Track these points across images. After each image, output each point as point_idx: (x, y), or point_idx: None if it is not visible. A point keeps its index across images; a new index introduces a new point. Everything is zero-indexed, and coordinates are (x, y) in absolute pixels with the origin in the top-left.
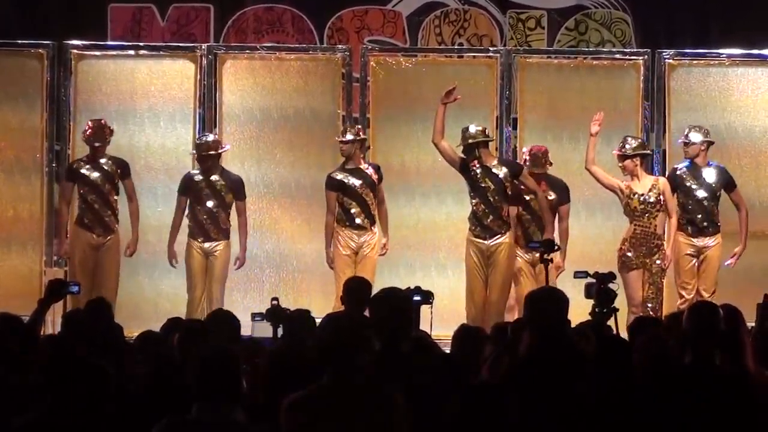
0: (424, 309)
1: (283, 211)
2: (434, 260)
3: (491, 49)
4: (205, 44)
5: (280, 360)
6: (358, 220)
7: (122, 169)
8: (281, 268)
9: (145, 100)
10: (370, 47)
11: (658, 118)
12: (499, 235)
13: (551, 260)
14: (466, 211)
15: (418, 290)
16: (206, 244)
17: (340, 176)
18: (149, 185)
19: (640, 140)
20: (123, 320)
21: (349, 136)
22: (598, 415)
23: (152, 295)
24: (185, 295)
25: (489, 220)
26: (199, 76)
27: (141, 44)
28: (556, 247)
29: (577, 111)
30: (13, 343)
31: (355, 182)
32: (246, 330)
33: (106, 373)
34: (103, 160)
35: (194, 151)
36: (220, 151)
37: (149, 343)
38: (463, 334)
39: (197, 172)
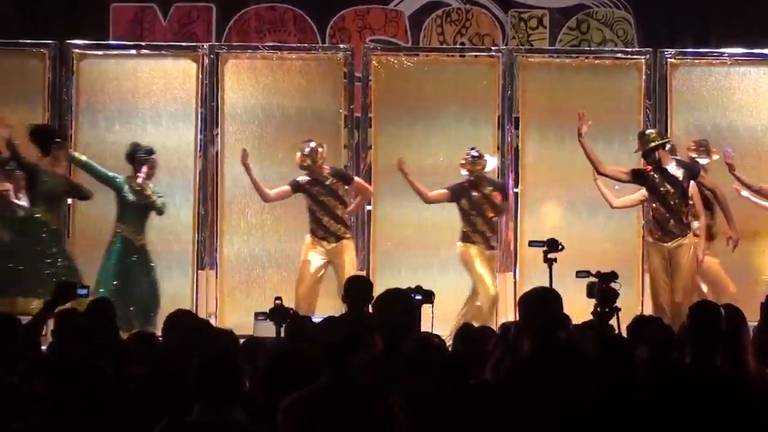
0: (426, 309)
1: (285, 210)
2: (436, 260)
3: (493, 48)
4: (207, 44)
5: (280, 360)
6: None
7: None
8: (283, 268)
9: (147, 100)
10: (372, 47)
11: (660, 117)
12: (679, 237)
13: (555, 260)
14: None
15: (419, 290)
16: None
17: None
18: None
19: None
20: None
21: None
22: (599, 415)
23: None
24: (187, 293)
25: (670, 224)
26: (201, 76)
27: (143, 44)
28: (560, 247)
29: (579, 110)
30: (13, 344)
31: None
32: (249, 329)
33: (105, 374)
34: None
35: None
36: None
37: (144, 343)
38: (464, 333)
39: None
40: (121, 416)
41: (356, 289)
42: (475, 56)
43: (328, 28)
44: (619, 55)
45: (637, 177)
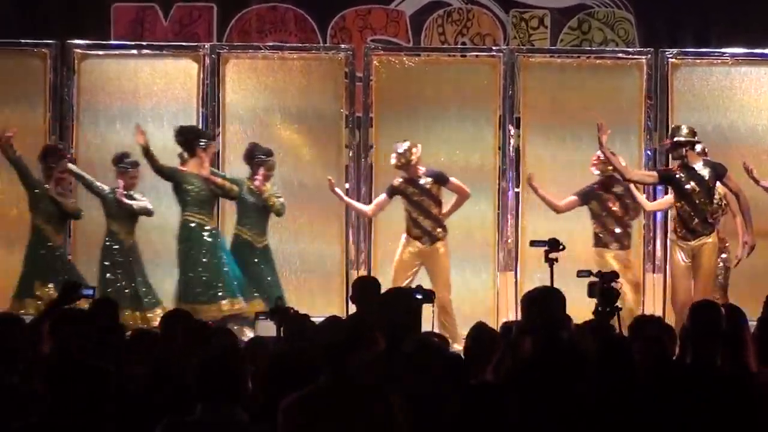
0: (427, 309)
1: (286, 210)
2: None
3: (494, 48)
4: (208, 44)
5: (280, 360)
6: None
7: None
8: (284, 268)
9: (148, 100)
10: (373, 47)
11: (661, 117)
12: (703, 236)
13: (556, 260)
14: (468, 210)
15: (419, 289)
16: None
17: None
18: (152, 184)
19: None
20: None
21: None
22: (599, 415)
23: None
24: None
25: (695, 223)
26: (202, 76)
27: (144, 44)
28: (561, 247)
29: (580, 110)
30: (15, 344)
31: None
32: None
33: (105, 374)
34: None
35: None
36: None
37: (144, 342)
38: (476, 332)
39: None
40: (121, 416)
41: (364, 289)
42: (476, 56)
43: (329, 28)
44: (620, 55)
45: (664, 177)
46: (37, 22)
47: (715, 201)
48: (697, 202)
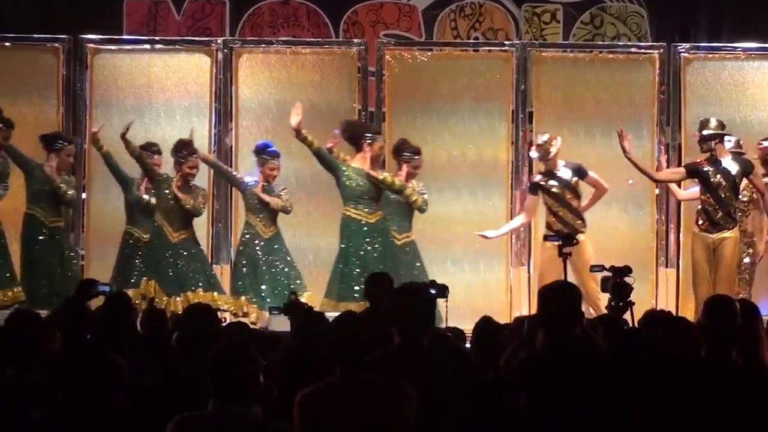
0: (440, 304)
1: (300, 205)
2: (450, 254)
3: (506, 43)
4: (221, 38)
5: (294, 355)
6: None
7: None
8: (297, 262)
9: (161, 95)
10: (385, 41)
11: (674, 111)
12: (725, 230)
13: (570, 254)
14: (480, 205)
15: (433, 284)
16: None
17: None
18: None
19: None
20: None
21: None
22: (611, 409)
23: None
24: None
25: (718, 216)
26: (214, 71)
27: (156, 38)
28: (574, 241)
29: (593, 105)
30: (33, 340)
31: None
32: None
33: (120, 368)
34: None
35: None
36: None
37: (158, 337)
38: (482, 326)
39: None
40: (135, 411)
41: (377, 285)
42: (489, 51)
43: (341, 23)
44: (632, 49)
45: (691, 171)
46: (49, 17)
47: (742, 196)
48: (723, 196)
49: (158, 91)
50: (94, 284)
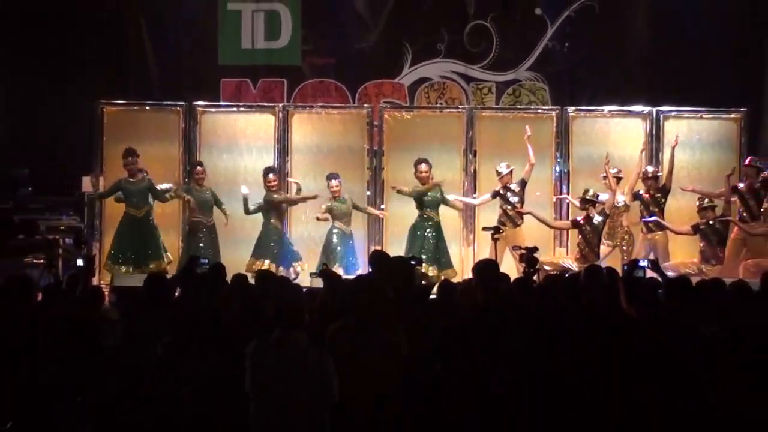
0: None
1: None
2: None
3: (460, 107)
4: (281, 104)
5: (326, 303)
6: None
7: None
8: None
9: (243, 139)
10: (384, 105)
11: (565, 150)
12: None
13: (498, 239)
14: (444, 210)
15: (413, 258)
16: None
17: None
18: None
19: None
20: None
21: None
22: (531, 345)
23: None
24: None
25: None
26: (277, 124)
27: (241, 104)
28: (501, 230)
29: (515, 146)
30: (165, 294)
31: None
32: (306, 283)
33: (216, 311)
34: None
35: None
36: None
37: (240, 287)
38: (444, 285)
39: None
40: (222, 338)
41: (378, 259)
42: (449, 112)
43: (357, 94)
44: (539, 110)
45: (574, 224)
46: (173, 90)
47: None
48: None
49: (242, 137)
50: (198, 259)
